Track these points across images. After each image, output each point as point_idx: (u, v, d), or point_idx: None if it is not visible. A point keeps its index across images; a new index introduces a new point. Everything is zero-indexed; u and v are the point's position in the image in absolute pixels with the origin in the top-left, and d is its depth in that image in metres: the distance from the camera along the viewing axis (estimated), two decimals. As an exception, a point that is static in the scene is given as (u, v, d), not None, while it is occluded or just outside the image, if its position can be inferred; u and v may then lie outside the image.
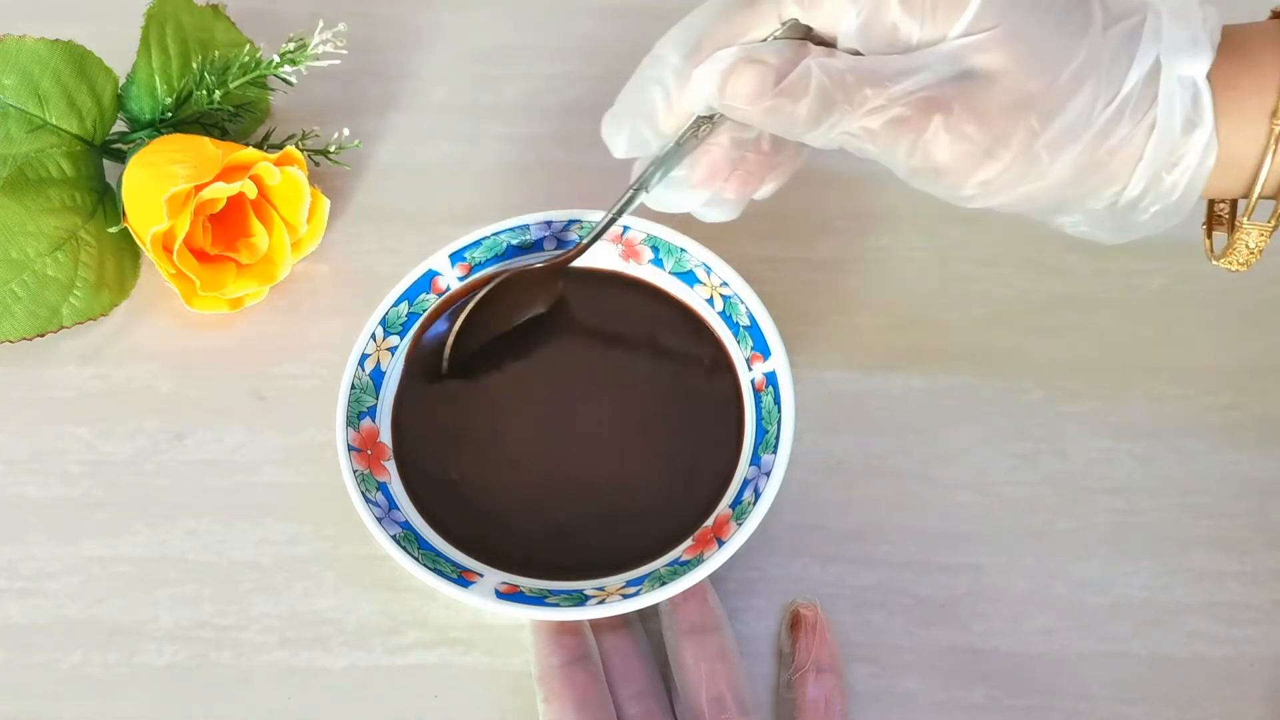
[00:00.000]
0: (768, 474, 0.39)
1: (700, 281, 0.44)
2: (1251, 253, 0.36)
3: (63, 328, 0.46)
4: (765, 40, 0.35)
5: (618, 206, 0.41)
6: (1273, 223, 0.35)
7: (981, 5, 0.32)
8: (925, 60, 0.33)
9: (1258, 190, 0.34)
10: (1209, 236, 0.38)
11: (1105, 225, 0.36)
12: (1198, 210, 0.37)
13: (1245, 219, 0.35)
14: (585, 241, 0.43)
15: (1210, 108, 0.33)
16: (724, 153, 0.38)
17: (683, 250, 0.45)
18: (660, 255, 0.45)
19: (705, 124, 0.37)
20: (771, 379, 0.42)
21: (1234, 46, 0.34)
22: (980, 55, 0.32)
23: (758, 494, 0.39)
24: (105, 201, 0.49)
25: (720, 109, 0.35)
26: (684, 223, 0.45)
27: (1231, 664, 0.40)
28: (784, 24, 0.34)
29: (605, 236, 0.45)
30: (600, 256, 0.46)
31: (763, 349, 0.42)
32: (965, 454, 0.44)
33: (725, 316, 0.44)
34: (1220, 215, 0.38)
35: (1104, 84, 0.33)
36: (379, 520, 0.39)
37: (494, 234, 0.45)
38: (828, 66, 0.33)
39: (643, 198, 0.40)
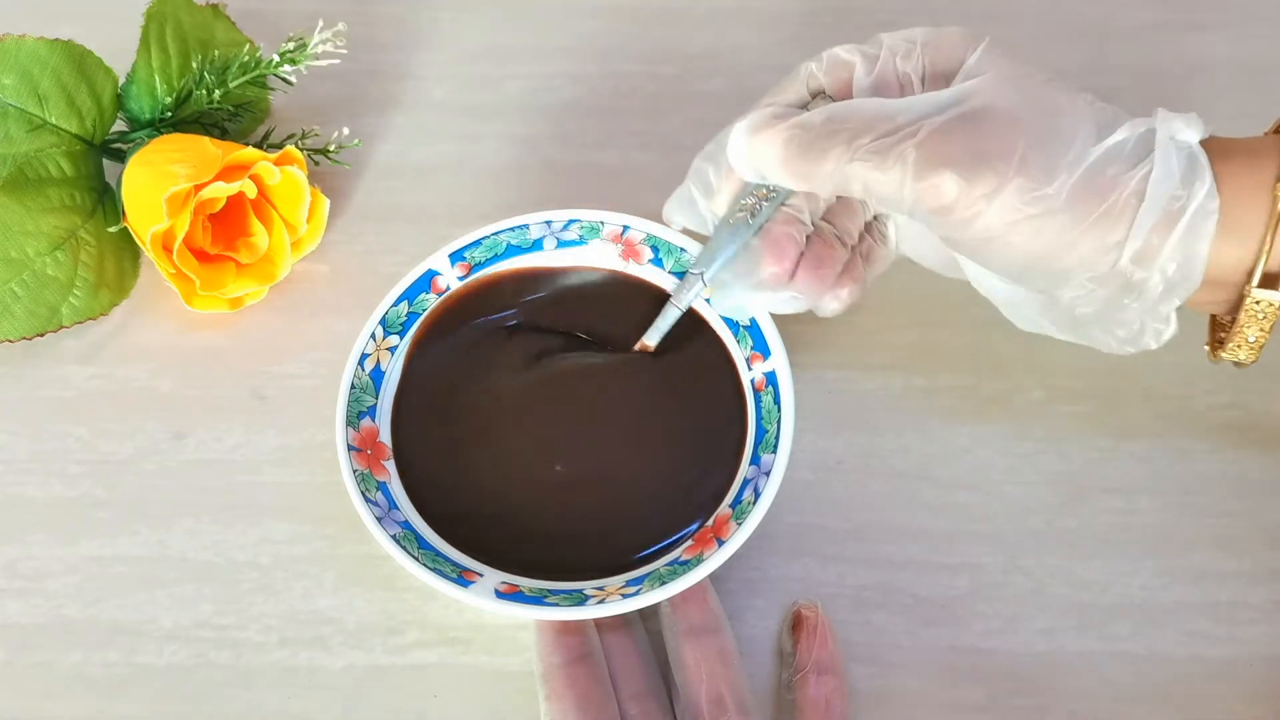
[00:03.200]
0: (768, 474, 0.39)
1: (700, 281, 0.44)
2: (1252, 347, 0.36)
3: (62, 327, 0.46)
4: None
5: (681, 295, 0.43)
6: (1271, 318, 0.35)
7: (980, 52, 0.36)
8: (928, 101, 0.35)
9: (1262, 262, 0.34)
10: (1213, 352, 0.38)
11: (1114, 308, 0.35)
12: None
13: (1249, 291, 0.34)
14: (652, 341, 0.43)
15: (1208, 165, 0.34)
16: (783, 230, 0.39)
17: (682, 250, 0.45)
18: (660, 255, 0.45)
19: (756, 201, 0.39)
20: (771, 379, 0.42)
21: (1224, 142, 0.35)
22: (976, 97, 0.35)
23: (758, 494, 0.39)
24: (105, 201, 0.49)
25: (746, 155, 0.37)
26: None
27: (1231, 664, 0.40)
28: (811, 94, 0.38)
29: (605, 236, 0.45)
30: (600, 256, 0.46)
31: (762, 349, 0.42)
32: (965, 454, 0.44)
33: (725, 316, 0.44)
34: (1221, 335, 0.37)
35: (1095, 128, 0.34)
36: (379, 520, 0.39)
37: (494, 234, 0.45)
38: (837, 105, 0.36)
39: (703, 287, 0.42)
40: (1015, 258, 0.35)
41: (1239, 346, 0.36)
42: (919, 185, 0.34)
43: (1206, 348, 0.38)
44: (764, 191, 0.39)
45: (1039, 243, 0.34)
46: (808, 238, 0.40)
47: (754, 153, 0.37)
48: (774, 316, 0.42)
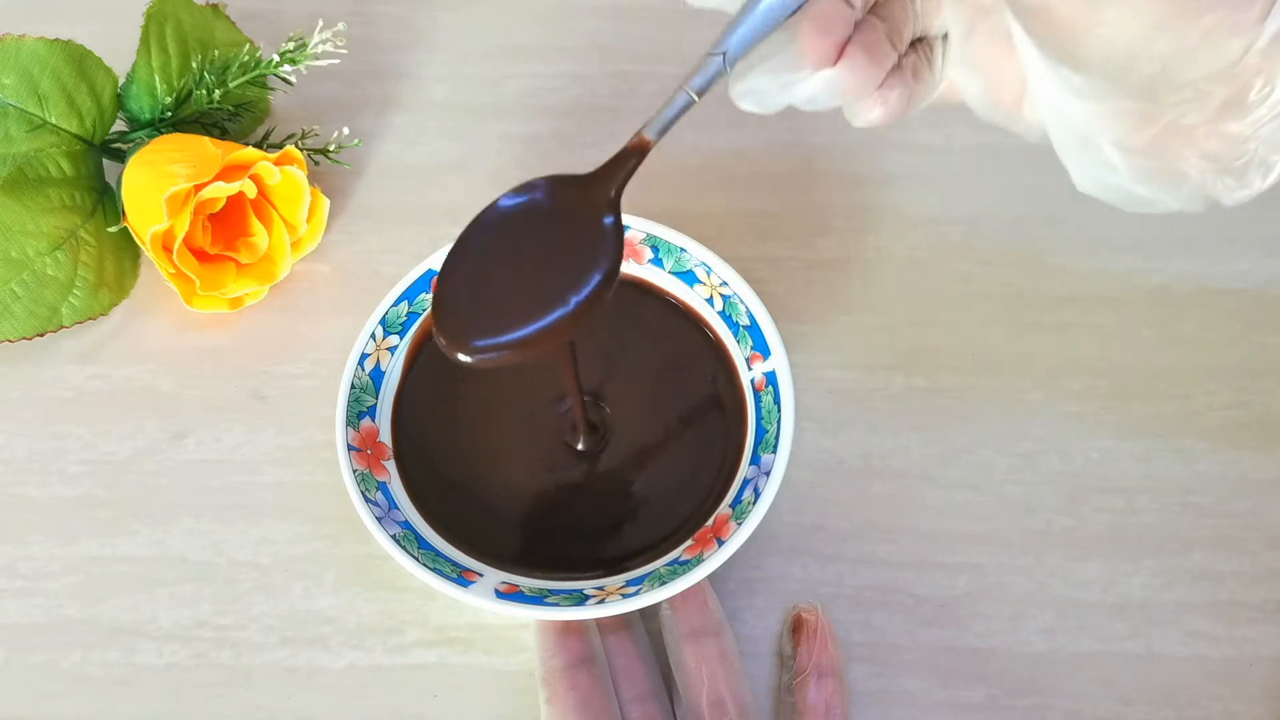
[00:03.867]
0: (767, 473, 0.39)
1: (700, 281, 0.44)
2: None
3: (62, 327, 0.46)
4: None
5: (695, 79, 0.33)
6: None
7: None
8: None
9: None
10: None
11: (1232, 115, 0.29)
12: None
13: None
14: (651, 134, 0.35)
15: None
16: (831, 4, 0.32)
17: (682, 250, 0.45)
18: (660, 255, 0.45)
19: None
20: (771, 378, 0.42)
21: None
22: None
23: (757, 494, 0.39)
24: (105, 201, 0.49)
25: None
26: (684, 222, 0.45)
27: (1231, 664, 0.40)
28: None
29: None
30: (600, 256, 0.46)
31: (762, 348, 0.42)
32: (965, 454, 0.44)
33: (725, 316, 0.44)
34: None
35: None
36: (379, 520, 0.39)
37: (494, 234, 0.45)
38: None
39: (723, 67, 0.33)
40: (1125, 33, 0.28)
41: None
42: None
43: None
44: None
45: (1159, 6, 0.28)
46: (856, 24, 0.32)
47: None
48: (773, 316, 0.42)
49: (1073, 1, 0.28)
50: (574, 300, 0.35)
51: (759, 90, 0.33)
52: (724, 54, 0.33)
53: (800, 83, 0.33)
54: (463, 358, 0.35)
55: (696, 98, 0.34)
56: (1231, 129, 0.29)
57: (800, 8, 0.32)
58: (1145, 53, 0.28)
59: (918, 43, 0.35)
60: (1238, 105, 0.29)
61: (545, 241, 0.36)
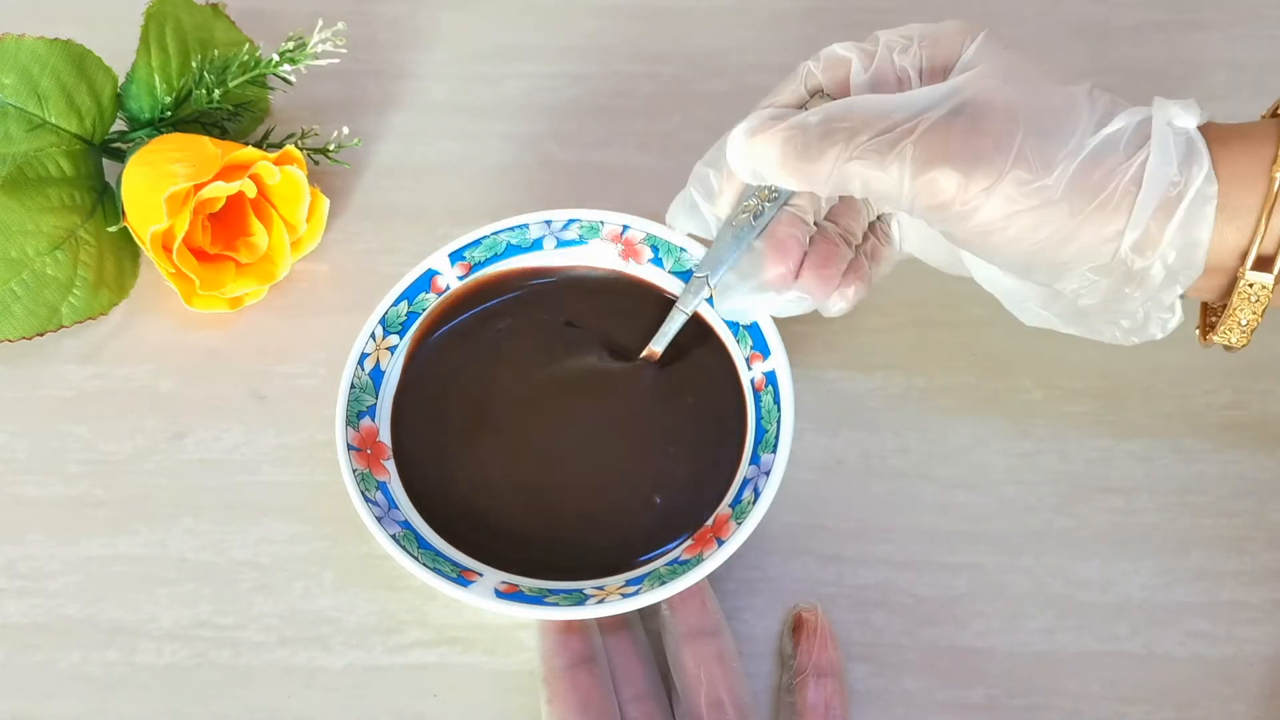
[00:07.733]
0: (767, 473, 0.39)
1: (700, 281, 0.44)
2: (1244, 331, 0.36)
3: (62, 327, 0.46)
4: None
5: (687, 299, 0.42)
6: (1263, 301, 0.35)
7: (978, 45, 0.36)
8: (924, 96, 0.35)
9: (1256, 244, 0.33)
10: (1203, 336, 0.38)
11: (1117, 298, 0.35)
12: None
13: (1243, 273, 0.34)
14: (659, 347, 0.43)
15: (1206, 150, 0.34)
16: (786, 230, 0.39)
17: (682, 250, 0.45)
18: (660, 255, 0.45)
19: (759, 203, 0.39)
20: (771, 378, 0.42)
21: (1221, 127, 0.35)
22: (973, 87, 0.35)
23: (757, 493, 0.39)
24: (104, 201, 0.49)
25: (745, 158, 0.37)
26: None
27: (1230, 664, 0.40)
28: (810, 93, 0.38)
29: (604, 235, 0.45)
30: (600, 256, 0.46)
31: (762, 348, 0.42)
32: (965, 454, 0.44)
33: (728, 319, 0.44)
34: (1212, 319, 0.37)
35: (1092, 118, 0.34)
36: (378, 520, 0.39)
37: (494, 233, 0.45)
38: (834, 104, 0.36)
39: (709, 290, 0.42)
40: (1016, 251, 0.35)
41: (1230, 330, 0.36)
42: (917, 182, 0.34)
43: (1196, 332, 0.38)
44: (766, 193, 0.39)
45: (1039, 234, 0.34)
46: (811, 238, 0.40)
47: (752, 155, 0.37)
48: (774, 316, 0.42)
49: (970, 232, 0.35)
50: None
51: (738, 310, 0.41)
52: (706, 278, 0.41)
53: (769, 303, 0.40)
54: None
55: (688, 314, 0.43)
56: (1121, 305, 0.36)
57: (765, 229, 0.39)
58: (1039, 259, 0.35)
59: (874, 224, 0.41)
60: (1119, 291, 0.35)
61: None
